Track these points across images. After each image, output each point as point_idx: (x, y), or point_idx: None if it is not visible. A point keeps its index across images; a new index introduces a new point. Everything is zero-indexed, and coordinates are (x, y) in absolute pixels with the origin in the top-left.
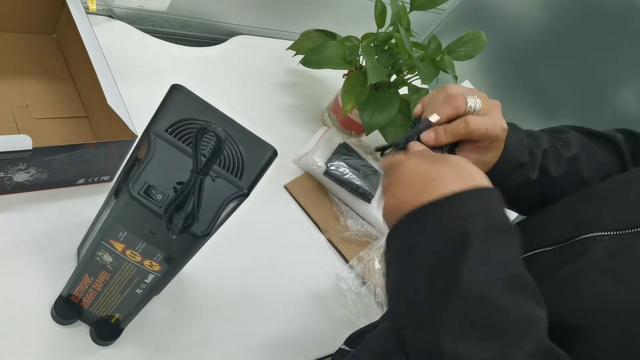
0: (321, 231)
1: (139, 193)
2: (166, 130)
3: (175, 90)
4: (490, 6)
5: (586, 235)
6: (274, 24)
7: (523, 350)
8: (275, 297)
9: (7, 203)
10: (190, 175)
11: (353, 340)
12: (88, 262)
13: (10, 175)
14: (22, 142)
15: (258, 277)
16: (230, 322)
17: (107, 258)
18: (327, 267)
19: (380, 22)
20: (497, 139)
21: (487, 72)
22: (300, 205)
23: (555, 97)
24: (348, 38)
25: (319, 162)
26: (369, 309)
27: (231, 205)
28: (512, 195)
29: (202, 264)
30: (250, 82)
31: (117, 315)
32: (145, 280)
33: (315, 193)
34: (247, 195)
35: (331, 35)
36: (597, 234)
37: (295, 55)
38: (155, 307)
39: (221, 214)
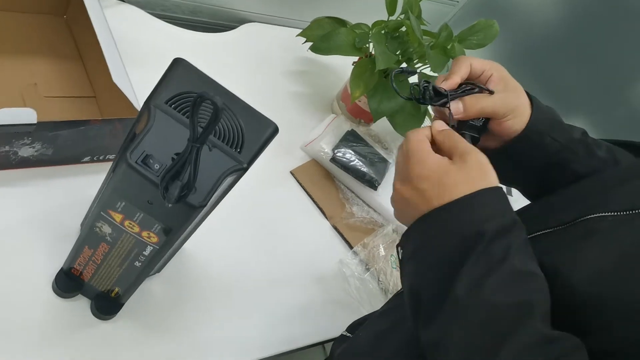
0: (326, 217)
1: (136, 162)
2: (166, 102)
3: (177, 63)
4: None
5: (591, 216)
6: (285, 12)
7: (512, 343)
8: (277, 281)
9: (12, 178)
10: (187, 144)
11: (355, 327)
12: (88, 233)
13: (15, 149)
14: (27, 115)
15: (261, 260)
16: (230, 304)
17: (106, 229)
18: (331, 253)
19: (391, 10)
20: (505, 117)
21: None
22: (305, 191)
23: (569, 93)
24: (358, 25)
25: (325, 148)
26: (372, 295)
27: (230, 178)
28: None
29: (205, 245)
30: (260, 69)
31: (116, 289)
32: (144, 253)
33: (322, 179)
34: (245, 169)
35: (342, 23)
36: (601, 214)
37: (305, 42)
38: (156, 285)
39: (219, 186)
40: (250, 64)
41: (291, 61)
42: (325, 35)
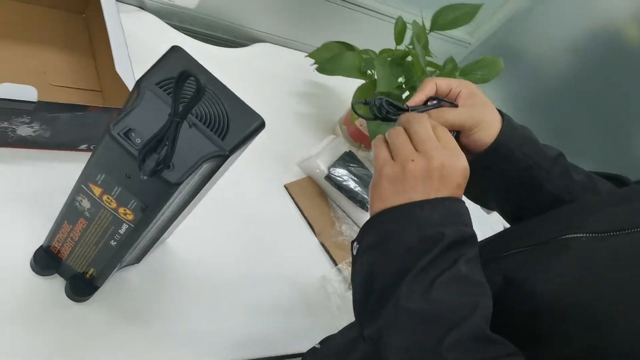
0: (315, 233)
1: (118, 134)
2: (157, 84)
3: (175, 50)
4: (516, 44)
5: (567, 236)
6: (297, 35)
7: (448, 339)
8: (257, 288)
9: (8, 155)
10: (168, 118)
11: (326, 341)
12: (68, 208)
13: (14, 127)
14: (28, 92)
15: (244, 266)
16: (206, 304)
17: (86, 204)
18: (315, 268)
19: (399, 39)
20: (472, 129)
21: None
22: (297, 206)
23: (575, 137)
24: (366, 51)
25: (321, 165)
26: (352, 314)
27: (210, 164)
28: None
29: (189, 242)
30: (267, 86)
31: (92, 270)
32: (119, 231)
33: (315, 196)
34: (226, 156)
35: (350, 47)
36: (577, 235)
37: (313, 64)
38: (134, 275)
39: (197, 168)
40: (259, 81)
41: (299, 82)
42: (332, 57)
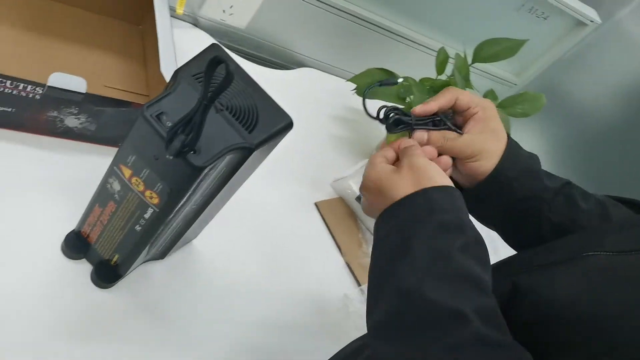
0: (341, 253)
1: (150, 115)
2: (193, 76)
3: (214, 48)
4: (562, 87)
5: (585, 254)
6: (341, 62)
7: (447, 342)
8: (276, 301)
9: (54, 145)
10: (197, 101)
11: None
12: (100, 190)
13: (62, 117)
14: (77, 83)
15: (267, 277)
16: (223, 309)
17: (116, 186)
18: (338, 287)
19: (440, 69)
20: (470, 158)
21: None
22: (326, 225)
23: (613, 184)
24: (406, 78)
25: (353, 187)
26: None
27: (235, 154)
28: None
29: (214, 246)
30: (307, 108)
31: (116, 257)
32: (145, 215)
33: (344, 216)
34: (251, 149)
35: (390, 74)
36: (595, 253)
37: (353, 89)
38: (158, 271)
39: (222, 156)
40: (300, 102)
41: (338, 107)
42: (372, 83)
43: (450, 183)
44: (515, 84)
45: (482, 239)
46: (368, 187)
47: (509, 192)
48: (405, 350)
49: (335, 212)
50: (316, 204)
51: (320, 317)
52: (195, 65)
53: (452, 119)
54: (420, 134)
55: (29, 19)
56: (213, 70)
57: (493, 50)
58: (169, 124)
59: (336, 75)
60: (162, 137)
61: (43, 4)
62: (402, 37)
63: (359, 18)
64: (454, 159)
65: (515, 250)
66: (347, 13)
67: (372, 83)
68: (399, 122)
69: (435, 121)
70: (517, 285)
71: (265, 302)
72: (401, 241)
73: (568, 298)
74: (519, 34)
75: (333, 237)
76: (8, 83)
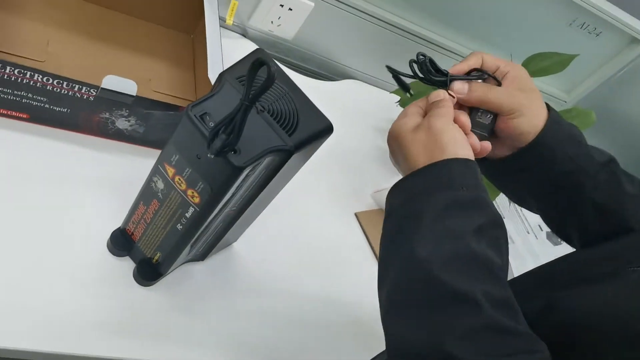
0: None
1: (195, 115)
2: (237, 79)
3: (258, 52)
4: (614, 105)
5: (629, 269)
6: (386, 74)
7: (457, 328)
8: (314, 307)
9: (106, 146)
10: (239, 102)
11: None
12: (145, 188)
13: (113, 118)
14: (128, 86)
15: (304, 283)
16: (257, 314)
17: (160, 185)
18: (373, 300)
19: None
20: (512, 113)
21: None
22: (365, 235)
23: None
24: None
25: None
26: None
27: (275, 156)
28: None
29: (253, 250)
30: (352, 119)
31: (158, 255)
32: (186, 214)
33: None
34: (291, 152)
35: (434, 87)
36: (632, 268)
37: (397, 101)
38: (198, 272)
39: (262, 157)
40: (344, 114)
41: (382, 119)
42: (416, 94)
43: (470, 153)
44: (565, 102)
45: (501, 220)
46: (389, 139)
47: (551, 162)
48: (416, 332)
49: (375, 224)
50: (356, 215)
51: (355, 326)
52: (240, 68)
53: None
54: (460, 85)
55: (88, 26)
56: (255, 72)
57: (542, 64)
58: (212, 124)
59: (381, 87)
60: (204, 137)
61: (101, 12)
62: (447, 49)
63: (404, 30)
64: (493, 123)
65: (555, 232)
66: (393, 25)
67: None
68: (434, 71)
69: (471, 75)
70: (552, 302)
71: (302, 307)
72: (414, 215)
73: (614, 318)
74: (570, 49)
75: (372, 248)
76: (65, 84)
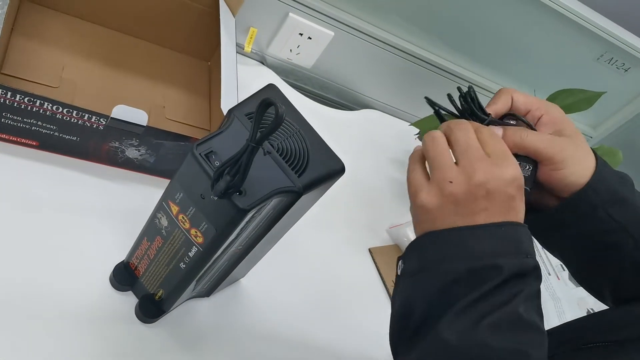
0: None
1: (200, 154)
2: (246, 115)
3: (270, 88)
4: (639, 145)
5: None
6: (405, 105)
7: None
8: (321, 351)
9: (115, 174)
10: (245, 143)
11: None
12: (149, 224)
13: (123, 147)
14: (139, 116)
15: (312, 324)
16: (265, 354)
17: (164, 222)
18: (386, 343)
19: None
20: (555, 164)
21: None
22: (379, 272)
23: None
24: None
25: (410, 235)
26: None
27: (282, 197)
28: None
29: (261, 287)
30: (369, 150)
31: (160, 292)
32: (189, 253)
33: None
34: (300, 193)
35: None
36: None
37: (416, 134)
38: (202, 308)
39: (269, 199)
40: (361, 144)
41: (400, 151)
42: (435, 127)
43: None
44: (591, 137)
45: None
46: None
47: (594, 222)
48: None
49: (389, 261)
50: (370, 250)
51: None
52: (250, 105)
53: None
54: (495, 130)
55: (104, 51)
56: (263, 113)
57: (566, 101)
58: (217, 163)
59: (400, 118)
60: (208, 177)
61: (119, 38)
62: (469, 81)
63: (424, 61)
64: (534, 173)
65: (583, 285)
66: (413, 56)
67: (435, 127)
68: (478, 107)
69: (504, 120)
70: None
71: (308, 348)
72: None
73: None
74: (597, 84)
75: (385, 285)
76: (74, 113)
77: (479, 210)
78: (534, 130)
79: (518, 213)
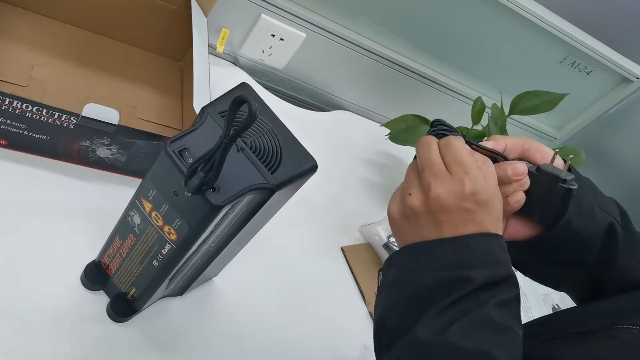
0: (365, 302)
1: (173, 151)
2: (219, 113)
3: (243, 86)
4: (605, 144)
5: (617, 327)
6: (377, 106)
7: None
8: (294, 347)
9: (85, 174)
10: (219, 140)
11: None
12: (122, 222)
13: (94, 147)
14: (110, 115)
15: (285, 321)
16: (238, 352)
17: (136, 219)
18: (359, 338)
19: (476, 119)
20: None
21: None
22: (351, 271)
23: None
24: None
25: (381, 233)
26: None
27: (255, 195)
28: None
29: (234, 285)
30: (341, 151)
31: (133, 291)
32: (162, 251)
33: (370, 264)
34: (272, 190)
35: (425, 121)
36: (627, 326)
37: (387, 134)
38: (175, 307)
39: (242, 196)
40: (333, 145)
41: (372, 151)
42: (406, 128)
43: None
44: (555, 138)
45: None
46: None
47: (593, 222)
48: None
49: (361, 259)
50: (342, 249)
51: None
52: (223, 103)
53: None
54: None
55: (75, 51)
56: (236, 110)
57: (531, 102)
58: (191, 160)
59: (371, 119)
60: (182, 174)
61: (90, 37)
62: (438, 84)
63: (396, 64)
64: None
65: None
66: (385, 58)
67: (406, 127)
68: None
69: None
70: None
71: (281, 347)
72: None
73: None
74: (560, 87)
75: (357, 284)
76: (44, 111)
77: (442, 222)
78: (527, 161)
79: (483, 224)
